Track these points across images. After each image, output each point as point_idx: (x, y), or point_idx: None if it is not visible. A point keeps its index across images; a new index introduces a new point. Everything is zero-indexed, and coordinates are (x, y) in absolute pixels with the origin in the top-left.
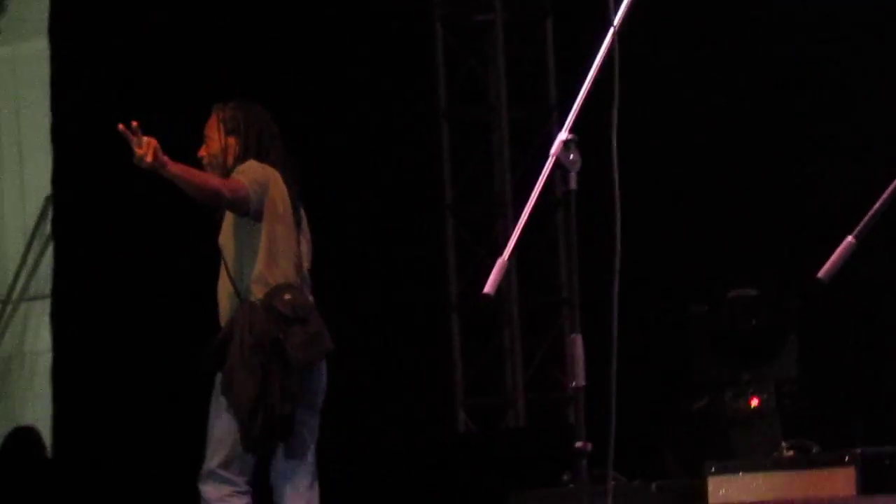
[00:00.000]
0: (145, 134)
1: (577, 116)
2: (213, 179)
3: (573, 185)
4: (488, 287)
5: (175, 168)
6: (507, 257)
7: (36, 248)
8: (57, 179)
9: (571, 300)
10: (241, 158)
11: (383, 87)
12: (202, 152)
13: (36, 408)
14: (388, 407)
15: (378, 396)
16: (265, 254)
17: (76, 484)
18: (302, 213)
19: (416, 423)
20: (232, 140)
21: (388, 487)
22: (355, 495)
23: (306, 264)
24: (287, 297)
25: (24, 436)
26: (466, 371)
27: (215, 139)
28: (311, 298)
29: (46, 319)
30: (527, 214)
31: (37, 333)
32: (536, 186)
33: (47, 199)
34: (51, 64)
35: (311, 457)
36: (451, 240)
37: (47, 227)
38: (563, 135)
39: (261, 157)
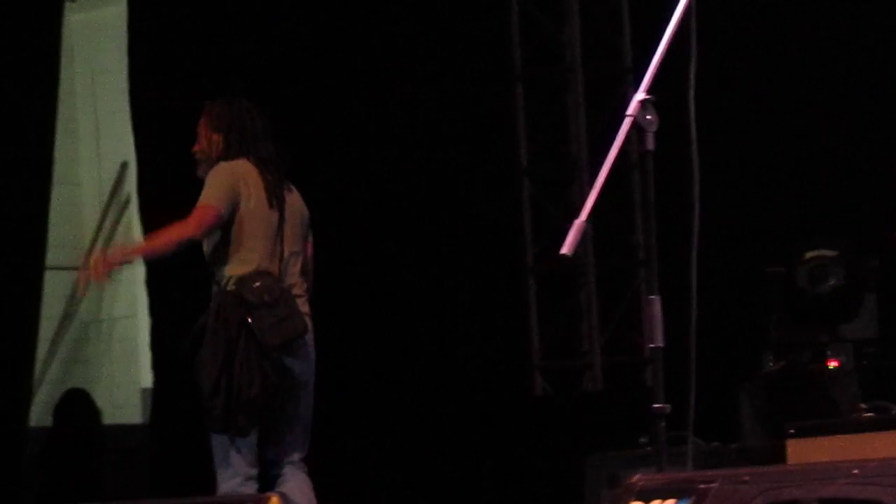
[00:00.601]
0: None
1: (654, 76)
2: (176, 232)
3: (650, 145)
4: (565, 247)
5: (140, 250)
6: (584, 218)
7: (112, 214)
8: (139, 145)
9: (648, 262)
10: (224, 154)
11: (457, 49)
12: (195, 148)
13: (113, 373)
14: (464, 371)
15: (454, 360)
16: (236, 247)
17: (174, 450)
18: (286, 199)
19: (493, 386)
20: (216, 137)
21: (465, 451)
22: (432, 459)
23: (290, 248)
24: (256, 284)
25: (75, 398)
26: (543, 334)
27: (203, 136)
28: (294, 280)
29: (123, 286)
30: (603, 176)
31: (113, 300)
32: (613, 147)
33: (123, 165)
34: (129, 30)
35: (301, 428)
36: (526, 202)
37: (123, 194)
38: (640, 95)
39: (242, 153)
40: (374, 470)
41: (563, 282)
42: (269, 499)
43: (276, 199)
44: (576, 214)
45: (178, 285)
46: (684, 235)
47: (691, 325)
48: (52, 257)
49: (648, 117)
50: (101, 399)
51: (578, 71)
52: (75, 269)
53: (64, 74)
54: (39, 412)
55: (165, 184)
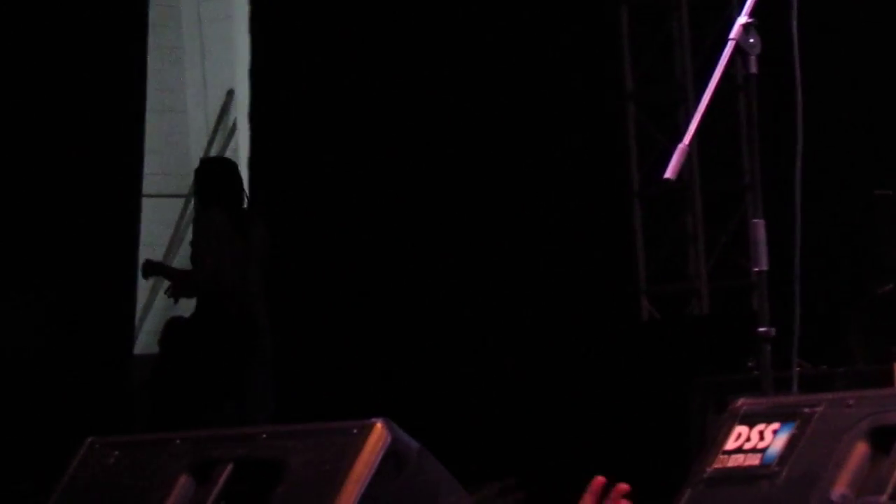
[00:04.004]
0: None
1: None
2: None
3: (753, 68)
4: (669, 171)
5: None
6: (687, 142)
7: (218, 142)
8: (254, 70)
9: (754, 185)
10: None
11: None
12: None
13: None
14: (571, 296)
15: (561, 286)
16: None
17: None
18: (251, 232)
19: (600, 312)
20: None
21: (571, 377)
22: (539, 385)
23: (255, 266)
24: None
25: (178, 326)
26: (649, 259)
27: None
28: (257, 287)
29: None
30: (707, 99)
31: None
32: (716, 71)
33: (229, 93)
34: None
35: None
36: (631, 127)
37: (229, 122)
38: (743, 18)
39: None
40: (481, 396)
41: (670, 206)
42: (373, 425)
43: (241, 234)
44: (681, 139)
45: (287, 219)
46: (790, 158)
47: (795, 249)
48: (159, 185)
49: (751, 40)
50: None
51: None
52: (182, 196)
53: (169, 2)
54: (149, 340)
55: (278, 112)
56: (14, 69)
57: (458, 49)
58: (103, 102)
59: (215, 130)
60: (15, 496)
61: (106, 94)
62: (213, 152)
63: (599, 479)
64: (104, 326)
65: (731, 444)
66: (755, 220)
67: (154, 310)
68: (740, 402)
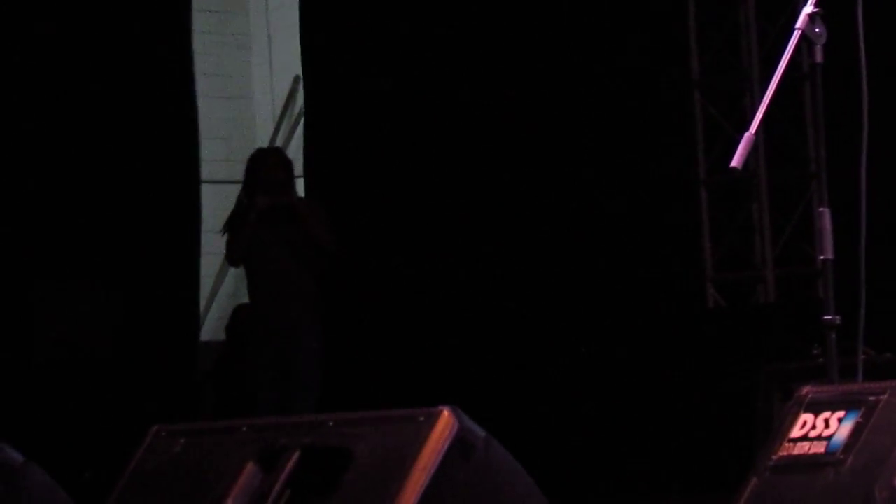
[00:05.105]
0: None
1: None
2: None
3: (819, 58)
4: (735, 160)
5: None
6: (753, 131)
7: (285, 128)
8: (306, 60)
9: (819, 174)
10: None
11: None
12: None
13: None
14: (638, 283)
15: (627, 272)
16: None
17: (343, 363)
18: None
19: (666, 299)
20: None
21: (637, 364)
22: (606, 372)
23: None
24: None
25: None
26: (715, 246)
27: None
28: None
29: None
30: (773, 88)
31: None
32: (782, 60)
33: (296, 79)
34: None
35: None
36: (698, 115)
37: (296, 108)
38: (809, 8)
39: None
40: (548, 383)
41: (736, 194)
42: (440, 412)
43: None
44: (748, 127)
45: (353, 213)
46: (856, 146)
47: (861, 237)
48: (227, 171)
49: (817, 30)
50: None
51: None
52: None
53: None
54: (215, 327)
55: (335, 98)
56: (60, 65)
57: (527, 39)
58: (155, 93)
59: (282, 117)
60: (81, 485)
61: (156, 86)
62: (280, 138)
63: None
64: (170, 315)
65: (796, 432)
66: (821, 209)
67: (220, 297)
68: (806, 389)
